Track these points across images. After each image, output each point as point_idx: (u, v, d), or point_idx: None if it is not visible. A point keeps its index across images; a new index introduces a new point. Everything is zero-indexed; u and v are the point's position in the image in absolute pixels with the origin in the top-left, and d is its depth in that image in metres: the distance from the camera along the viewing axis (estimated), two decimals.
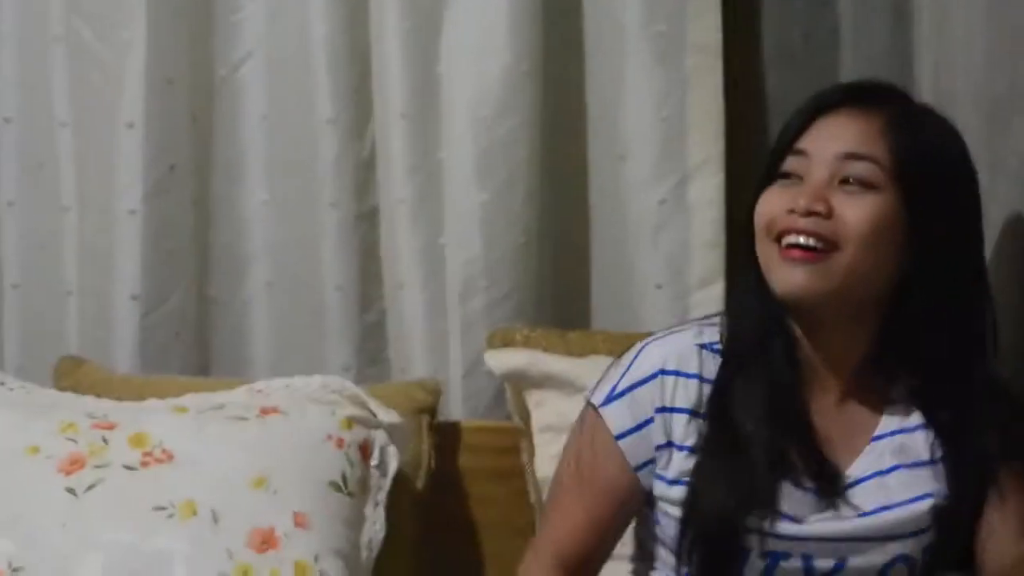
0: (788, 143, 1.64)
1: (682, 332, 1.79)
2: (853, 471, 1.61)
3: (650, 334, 1.84)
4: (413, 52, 2.31)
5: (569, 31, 2.44)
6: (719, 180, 2.36)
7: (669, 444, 1.69)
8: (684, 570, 1.69)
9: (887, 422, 1.67)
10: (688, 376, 1.71)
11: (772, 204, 1.60)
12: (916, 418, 1.67)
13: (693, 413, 1.69)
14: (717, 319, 1.75)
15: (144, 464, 2.00)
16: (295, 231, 2.46)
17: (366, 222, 2.46)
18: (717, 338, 1.73)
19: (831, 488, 1.58)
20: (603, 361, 1.94)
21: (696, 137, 2.38)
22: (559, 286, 2.59)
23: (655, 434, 1.69)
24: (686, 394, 1.70)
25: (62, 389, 2.25)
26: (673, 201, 2.37)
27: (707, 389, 1.71)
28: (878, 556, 1.59)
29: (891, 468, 1.62)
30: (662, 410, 1.68)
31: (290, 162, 2.41)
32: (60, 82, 2.37)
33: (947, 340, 1.65)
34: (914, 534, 1.58)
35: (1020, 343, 1.78)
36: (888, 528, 1.58)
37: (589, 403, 1.74)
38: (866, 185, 1.57)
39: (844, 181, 1.58)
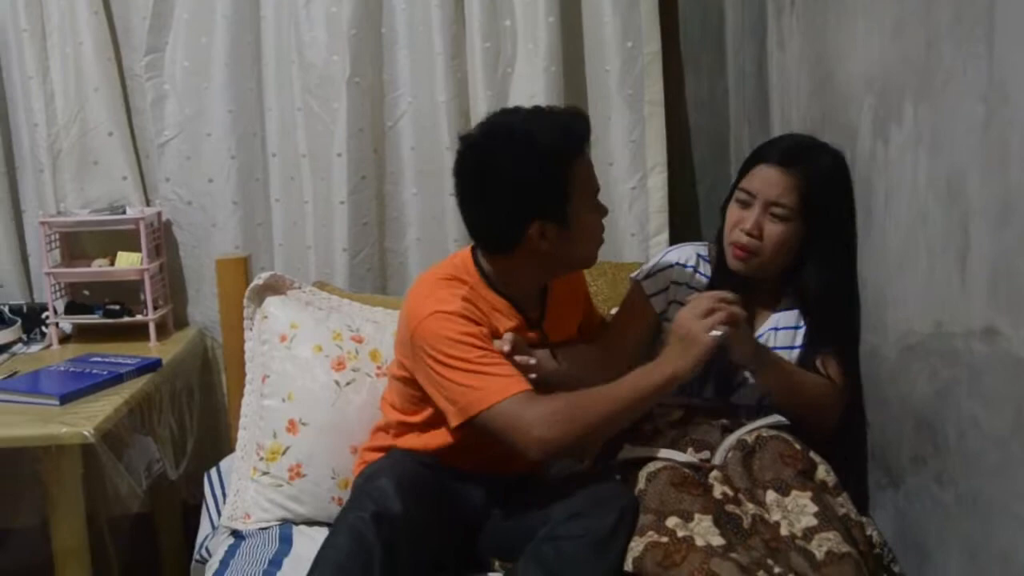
0: (741, 177, 2.31)
1: (691, 245, 2.48)
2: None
3: (634, 265, 2.66)
4: (494, 108, 2.78)
5: (580, 96, 3.22)
6: (664, 176, 3.21)
7: (673, 302, 2.41)
8: None
9: (774, 319, 2.34)
10: (688, 267, 2.43)
11: (733, 216, 2.29)
12: (793, 320, 2.32)
13: (687, 286, 2.40)
14: (710, 244, 2.43)
15: (378, 375, 2.59)
16: (432, 210, 3.24)
17: None
18: (706, 252, 2.42)
19: None
20: (609, 273, 2.89)
21: (650, 151, 3.21)
22: None
23: (668, 296, 2.42)
24: (686, 277, 2.41)
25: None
26: (639, 188, 3.22)
27: (698, 275, 2.40)
28: None
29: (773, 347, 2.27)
30: (674, 283, 2.43)
31: (427, 171, 3.22)
32: (301, 132, 3.22)
33: (822, 283, 2.25)
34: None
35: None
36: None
37: (634, 281, 2.47)
38: (782, 219, 2.24)
39: (770, 212, 2.24)
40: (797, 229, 2.24)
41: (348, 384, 2.57)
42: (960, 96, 1.63)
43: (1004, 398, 1.53)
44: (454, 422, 2.11)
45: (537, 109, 2.21)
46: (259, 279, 2.78)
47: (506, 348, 2.15)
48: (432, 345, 2.11)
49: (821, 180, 2.22)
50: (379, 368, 2.61)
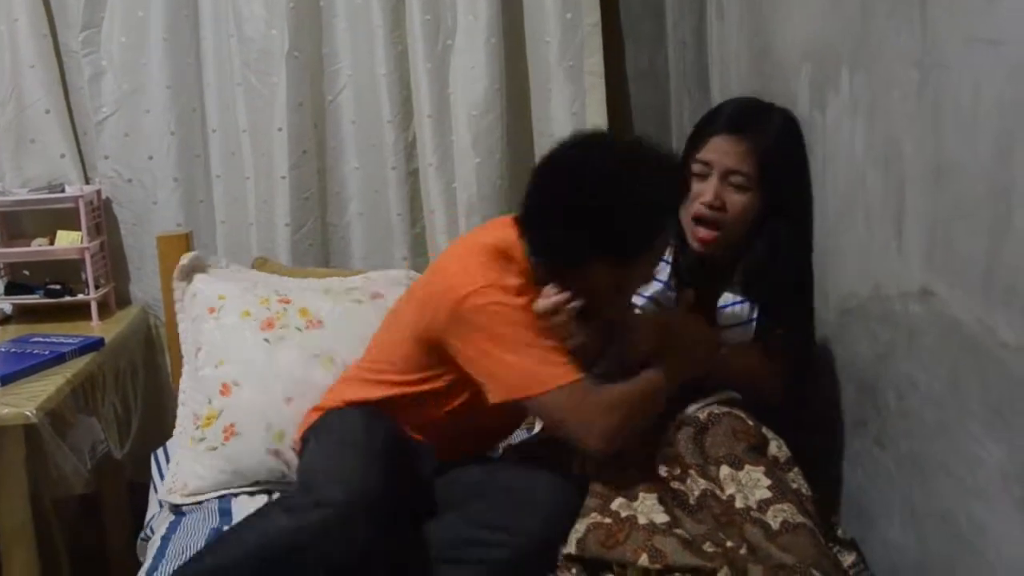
0: (694, 150, 2.24)
1: None
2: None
3: None
4: (434, 81, 3.13)
5: (520, 65, 3.22)
6: None
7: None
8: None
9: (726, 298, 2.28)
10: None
11: (694, 189, 2.23)
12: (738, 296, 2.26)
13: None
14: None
15: (308, 327, 2.65)
16: (373, 183, 3.25)
17: (412, 177, 3.24)
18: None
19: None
20: None
21: (591, 123, 3.16)
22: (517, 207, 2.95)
23: None
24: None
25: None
26: None
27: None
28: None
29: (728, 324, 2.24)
30: None
31: (368, 146, 3.23)
32: (241, 107, 3.22)
33: (777, 261, 2.19)
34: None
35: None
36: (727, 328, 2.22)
37: None
38: (741, 188, 2.19)
39: (729, 182, 2.19)
40: (758, 199, 2.19)
41: (279, 340, 2.59)
42: (894, 62, 1.65)
43: (940, 359, 1.56)
44: (495, 398, 2.03)
45: (638, 158, 2.04)
46: (184, 259, 2.81)
47: (550, 303, 2.05)
48: (484, 320, 2.02)
49: (775, 143, 2.19)
50: (309, 321, 2.65)
